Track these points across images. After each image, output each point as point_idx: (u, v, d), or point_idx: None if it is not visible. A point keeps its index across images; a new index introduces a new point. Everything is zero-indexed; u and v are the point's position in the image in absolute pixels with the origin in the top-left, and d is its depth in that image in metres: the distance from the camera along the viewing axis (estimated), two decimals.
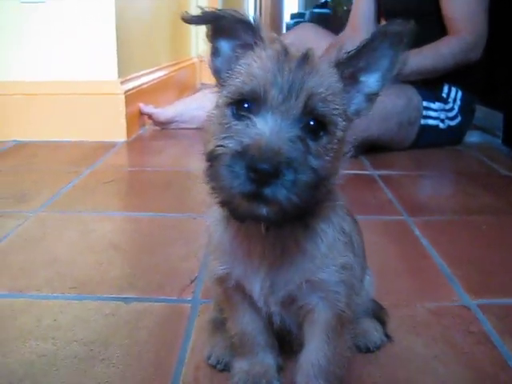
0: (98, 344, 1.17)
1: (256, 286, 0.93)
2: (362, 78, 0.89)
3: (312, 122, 0.81)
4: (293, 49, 0.84)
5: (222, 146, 0.78)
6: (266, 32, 0.87)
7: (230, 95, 0.84)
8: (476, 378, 1.09)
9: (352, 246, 0.97)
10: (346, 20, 3.56)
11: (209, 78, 4.64)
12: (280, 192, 0.74)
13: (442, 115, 2.97)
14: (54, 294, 1.38)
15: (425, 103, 2.91)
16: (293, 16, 11.13)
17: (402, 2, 3.09)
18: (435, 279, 1.51)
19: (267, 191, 0.74)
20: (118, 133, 3.03)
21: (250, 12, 8.70)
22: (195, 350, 1.16)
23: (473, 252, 1.69)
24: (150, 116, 3.35)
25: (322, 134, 0.82)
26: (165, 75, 3.93)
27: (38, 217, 1.90)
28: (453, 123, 3.01)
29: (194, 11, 0.91)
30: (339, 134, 0.84)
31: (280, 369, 1.07)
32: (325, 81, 0.82)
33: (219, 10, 0.88)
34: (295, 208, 0.76)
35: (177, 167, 2.58)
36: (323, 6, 8.54)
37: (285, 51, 0.83)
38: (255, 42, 0.86)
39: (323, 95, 0.81)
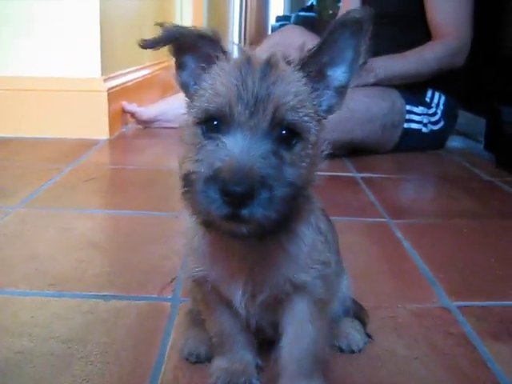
0: (75, 342, 1.15)
1: (237, 290, 0.92)
2: (329, 73, 0.87)
3: (284, 132, 0.80)
4: (256, 56, 0.82)
5: (194, 171, 0.78)
6: (226, 44, 0.86)
7: (198, 115, 0.83)
8: (456, 380, 1.09)
9: (328, 244, 0.97)
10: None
11: None
12: (257, 211, 0.74)
13: (425, 119, 2.98)
14: (32, 291, 1.36)
15: (408, 107, 2.93)
16: (278, 19, 11.14)
17: (386, 7, 3.09)
18: (416, 281, 1.51)
19: (244, 212, 0.73)
20: (100, 130, 3.01)
21: (235, 14, 8.70)
22: (175, 349, 1.14)
23: (454, 255, 1.69)
24: (132, 114, 3.32)
25: (294, 141, 0.81)
26: (148, 74, 3.91)
27: (17, 213, 1.88)
28: (435, 128, 3.03)
29: (153, 30, 0.90)
30: (313, 138, 0.83)
31: (259, 368, 1.06)
32: (291, 88, 0.81)
33: (177, 26, 0.87)
34: (274, 223, 0.76)
35: (159, 166, 2.56)
36: (309, 9, 8.55)
37: (247, 61, 0.81)
38: (217, 56, 0.85)
39: (291, 103, 0.80)
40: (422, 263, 1.61)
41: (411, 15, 2.98)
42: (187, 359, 1.11)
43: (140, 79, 3.66)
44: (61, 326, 1.21)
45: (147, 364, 1.09)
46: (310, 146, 0.83)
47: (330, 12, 7.35)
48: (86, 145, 2.85)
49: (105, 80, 3.03)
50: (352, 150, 2.77)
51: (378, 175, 2.57)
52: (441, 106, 3.03)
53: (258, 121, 0.77)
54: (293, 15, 9.39)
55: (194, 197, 0.77)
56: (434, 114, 3.01)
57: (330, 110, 0.89)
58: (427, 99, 3.02)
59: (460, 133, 3.45)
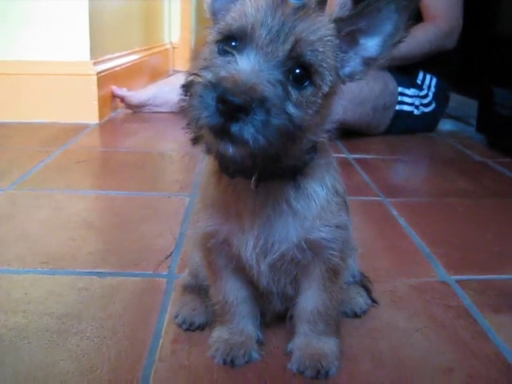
0: (70, 317, 1.13)
1: (248, 244, 0.91)
2: (362, 41, 0.85)
3: (298, 70, 0.78)
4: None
5: (198, 75, 0.76)
6: None
7: (219, 31, 0.82)
8: (458, 351, 1.07)
9: (346, 207, 0.97)
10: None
11: (182, 64, 4.60)
12: (247, 130, 0.71)
13: (417, 101, 2.97)
14: (25, 269, 1.34)
15: (400, 89, 2.92)
16: None
17: None
18: (414, 257, 1.50)
19: (234, 127, 0.71)
20: (90, 115, 2.97)
21: None
22: (172, 324, 1.12)
23: (450, 231, 1.68)
24: (122, 99, 3.29)
25: (306, 83, 0.79)
26: (138, 59, 3.87)
27: (8, 194, 1.85)
28: (427, 110, 3.02)
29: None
30: (325, 88, 0.81)
31: (260, 342, 1.05)
32: (318, 30, 0.79)
33: None
34: (262, 151, 0.73)
35: (150, 149, 2.54)
36: None
37: None
38: None
39: (313, 43, 0.78)
40: (419, 239, 1.60)
41: None
42: (180, 326, 1.10)
43: (129, 64, 3.62)
44: (55, 302, 1.19)
45: (145, 338, 1.07)
46: (320, 94, 0.81)
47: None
48: (76, 129, 2.82)
49: (94, 63, 2.99)
50: (344, 132, 2.75)
51: (371, 156, 2.55)
52: (432, 88, 3.02)
53: (275, 48, 0.76)
54: None
55: (189, 101, 0.75)
56: (426, 96, 3.00)
57: (351, 76, 0.86)
58: (419, 81, 3.01)
59: (452, 116, 3.44)
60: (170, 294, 1.24)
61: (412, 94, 2.96)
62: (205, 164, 0.96)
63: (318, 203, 0.90)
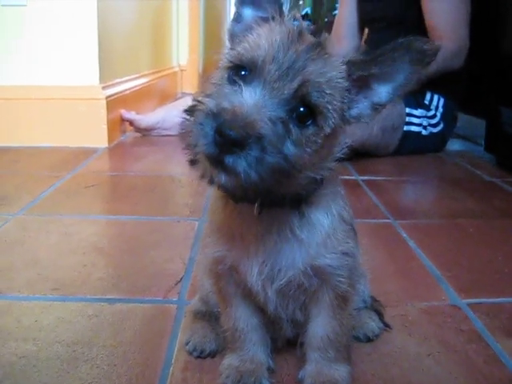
0: (81, 345, 1.13)
1: (253, 270, 0.92)
2: (373, 86, 0.86)
3: (302, 109, 0.78)
4: (308, 34, 0.82)
5: (201, 102, 0.77)
6: (290, 10, 0.87)
7: (231, 59, 0.83)
8: (471, 376, 1.07)
9: (354, 234, 0.97)
10: (328, 32, 3.56)
11: (190, 87, 4.63)
12: (240, 164, 0.72)
13: (425, 122, 2.97)
14: (36, 296, 1.34)
15: (407, 110, 2.92)
16: None
17: (381, 10, 3.10)
18: (424, 280, 1.49)
19: (228, 159, 0.72)
20: (99, 138, 2.99)
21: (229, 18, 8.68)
22: (182, 351, 1.12)
23: (460, 253, 1.67)
24: (131, 122, 3.31)
25: (308, 123, 0.79)
26: (146, 83, 3.90)
27: (18, 219, 1.85)
28: (435, 130, 3.02)
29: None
30: (327, 129, 0.81)
31: (271, 370, 1.04)
32: (328, 72, 0.80)
33: None
34: (253, 186, 0.74)
35: (159, 172, 2.54)
36: (304, 17, 8.58)
37: (299, 32, 0.81)
38: (274, 16, 0.85)
39: (321, 85, 0.79)
40: (429, 262, 1.59)
41: (409, 18, 2.97)
42: (191, 353, 1.10)
43: (138, 87, 3.65)
44: (65, 329, 1.19)
45: (155, 365, 1.07)
46: (321, 135, 0.81)
47: (326, 20, 7.38)
48: (86, 153, 2.84)
49: (103, 88, 3.02)
50: (353, 154, 2.75)
51: (380, 178, 2.55)
52: (440, 109, 3.02)
53: (282, 86, 0.77)
54: None
55: (190, 126, 0.76)
56: (434, 116, 3.01)
57: (357, 118, 0.87)
58: (426, 102, 3.01)
59: (460, 136, 3.44)
60: (180, 321, 1.24)
61: (420, 114, 2.96)
62: (213, 190, 0.97)
63: (323, 231, 0.90)
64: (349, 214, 0.95)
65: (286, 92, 0.77)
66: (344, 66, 0.83)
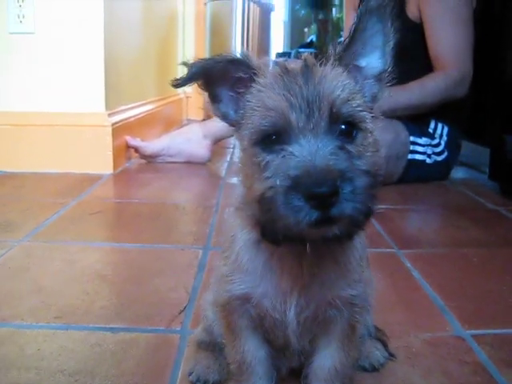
0: (83, 374, 1.13)
1: (290, 306, 0.91)
2: (364, 63, 0.88)
3: (343, 127, 0.80)
4: (291, 65, 0.83)
5: (270, 187, 0.76)
6: (257, 61, 0.87)
7: (253, 136, 0.82)
8: None
9: (368, 262, 0.98)
10: None
11: (195, 113, 4.66)
12: (346, 207, 0.73)
13: (429, 150, 2.98)
14: (39, 324, 1.34)
15: (412, 138, 2.93)
16: (278, 55, 11.26)
17: None
18: (428, 310, 1.49)
19: (334, 211, 0.73)
20: (104, 165, 3.01)
21: (237, 50, 8.78)
22: (185, 380, 1.12)
23: (464, 283, 1.67)
24: (136, 149, 3.33)
25: (355, 133, 0.81)
26: (152, 109, 3.93)
27: (22, 246, 1.86)
28: (439, 158, 3.03)
29: (179, 69, 0.90)
30: (370, 126, 0.84)
31: None
32: (337, 82, 0.82)
33: (203, 60, 0.88)
34: (363, 215, 0.76)
35: (164, 199, 2.55)
36: (309, 45, 8.67)
37: (285, 70, 0.82)
38: (251, 75, 0.85)
39: (342, 96, 0.80)
40: (433, 292, 1.59)
41: (412, 47, 2.99)
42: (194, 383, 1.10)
43: (143, 114, 3.68)
44: (68, 358, 1.19)
45: None
46: (369, 134, 0.83)
47: (328, 50, 7.44)
48: (91, 179, 2.85)
49: (109, 115, 3.04)
50: None
51: (384, 206, 2.55)
52: (444, 137, 3.03)
53: (316, 122, 0.78)
54: (292, 52, 9.51)
55: (277, 212, 0.75)
56: (438, 144, 3.02)
57: (374, 99, 0.89)
58: (430, 130, 3.02)
59: (464, 164, 3.45)
60: (183, 350, 1.24)
61: (424, 142, 2.97)
62: (237, 234, 0.94)
63: (357, 256, 0.92)
64: (363, 240, 0.97)
65: (323, 124, 0.78)
66: (339, 67, 0.84)
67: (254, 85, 0.85)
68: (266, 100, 0.81)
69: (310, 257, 0.88)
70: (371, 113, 0.86)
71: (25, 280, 1.59)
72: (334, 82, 0.81)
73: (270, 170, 0.78)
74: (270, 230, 0.81)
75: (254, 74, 0.85)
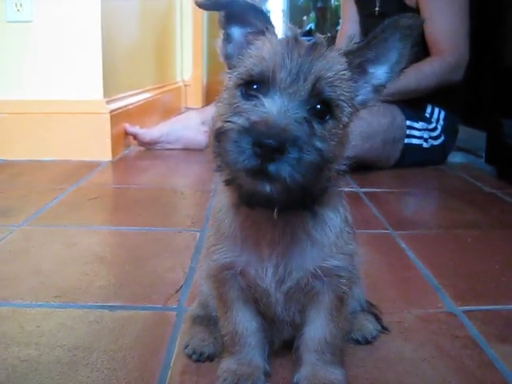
0: (81, 350, 1.15)
1: (268, 272, 0.95)
2: (371, 70, 0.91)
3: (319, 106, 0.83)
4: (303, 38, 0.86)
5: (230, 122, 0.80)
6: (273, 20, 0.90)
7: (240, 76, 0.86)
8: (464, 380, 1.08)
9: (354, 236, 1.00)
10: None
11: (193, 102, 4.67)
12: (284, 169, 0.76)
13: (426, 135, 2.99)
14: (38, 303, 1.36)
15: (408, 122, 2.94)
16: None
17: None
18: (422, 288, 1.51)
19: (271, 167, 0.75)
20: (103, 152, 3.03)
21: None
22: (181, 355, 1.14)
23: (458, 263, 1.69)
24: (135, 136, 3.35)
25: (327, 117, 0.84)
26: (150, 97, 3.94)
27: (22, 230, 1.88)
28: (436, 143, 3.04)
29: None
30: (344, 119, 0.86)
31: (267, 374, 1.06)
32: (333, 66, 0.84)
33: None
34: (299, 187, 0.78)
35: (162, 185, 2.58)
36: (307, 33, 8.64)
37: (295, 38, 0.85)
38: (266, 28, 0.89)
39: (330, 79, 0.83)
40: (427, 271, 1.61)
41: None
42: (190, 356, 1.13)
43: (142, 102, 3.69)
44: (67, 335, 1.21)
45: (154, 370, 1.09)
46: (341, 126, 0.86)
47: (329, 35, 7.44)
48: (89, 166, 2.87)
49: (107, 102, 3.06)
50: (354, 166, 2.77)
51: (381, 190, 2.57)
52: (441, 121, 3.05)
53: (297, 89, 0.81)
54: None
55: (224, 147, 0.79)
56: (435, 129, 3.03)
57: (364, 104, 0.92)
58: (427, 114, 3.04)
59: (461, 148, 3.46)
60: (179, 327, 1.26)
61: (421, 127, 2.98)
62: (220, 198, 1.00)
63: (333, 231, 0.94)
64: (350, 216, 1.00)
65: (302, 94, 0.81)
66: (343, 58, 0.87)
67: (261, 37, 0.88)
68: (264, 51, 0.85)
69: (281, 224, 0.91)
70: (353, 111, 0.89)
71: (25, 262, 1.61)
72: (329, 64, 0.84)
73: (238, 111, 0.83)
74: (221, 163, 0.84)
75: (267, 28, 0.89)
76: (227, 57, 0.94)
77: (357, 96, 0.90)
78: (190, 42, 5.43)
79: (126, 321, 1.28)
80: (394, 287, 1.52)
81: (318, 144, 0.80)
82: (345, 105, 0.86)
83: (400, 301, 1.42)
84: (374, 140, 2.79)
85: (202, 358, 1.12)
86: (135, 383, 1.05)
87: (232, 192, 0.93)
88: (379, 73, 0.91)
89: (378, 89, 0.92)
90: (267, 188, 0.78)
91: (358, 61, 0.89)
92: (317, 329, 1.00)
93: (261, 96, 0.82)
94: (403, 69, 0.90)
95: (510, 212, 2.27)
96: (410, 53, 0.89)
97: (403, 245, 1.83)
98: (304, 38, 0.88)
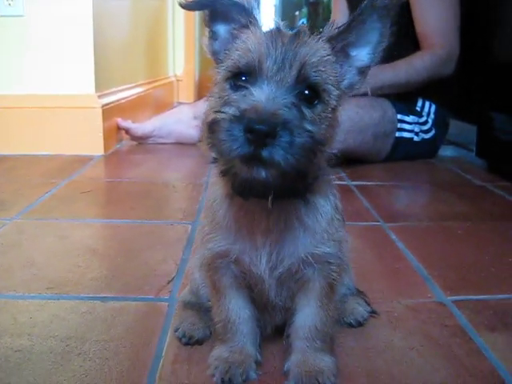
0: (74, 340, 1.16)
1: (262, 259, 0.97)
2: (353, 53, 0.93)
3: (306, 91, 0.85)
4: (285, 29, 0.89)
5: (221, 112, 0.82)
6: (257, 12, 0.92)
7: (228, 69, 0.89)
8: (453, 368, 1.09)
9: (344, 223, 1.02)
10: None
11: (185, 96, 4.67)
12: (277, 153, 0.77)
13: (416, 128, 3.01)
14: (31, 294, 1.37)
15: (399, 116, 2.95)
16: None
17: None
18: (411, 279, 1.52)
19: (265, 152, 0.77)
20: (95, 147, 3.03)
21: None
22: (172, 345, 1.15)
23: (447, 254, 1.71)
24: (127, 131, 3.35)
25: (316, 102, 0.86)
26: (142, 92, 3.94)
27: (14, 223, 1.89)
28: (427, 136, 3.06)
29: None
30: (333, 102, 0.88)
31: (258, 363, 1.07)
32: (316, 52, 0.87)
33: None
34: (293, 170, 0.80)
35: (154, 179, 2.58)
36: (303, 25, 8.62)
37: (278, 29, 0.88)
38: (250, 22, 0.91)
39: (316, 64, 0.85)
40: (416, 262, 1.62)
41: (400, 27, 3.01)
42: (180, 339, 1.15)
43: (134, 97, 3.69)
44: (59, 325, 1.22)
45: (146, 359, 1.10)
46: (329, 109, 0.88)
47: (321, 30, 7.44)
48: (82, 161, 2.87)
49: (99, 97, 3.06)
50: (345, 160, 2.78)
51: (372, 183, 2.59)
52: (432, 115, 3.06)
53: (284, 76, 0.83)
54: None
55: (217, 136, 0.81)
56: (425, 122, 3.04)
57: (350, 87, 0.94)
58: (418, 108, 3.05)
59: (451, 142, 3.48)
60: (170, 317, 1.27)
61: (411, 120, 3.00)
62: (214, 190, 1.01)
63: (325, 217, 0.97)
64: (340, 203, 1.02)
65: (289, 80, 0.83)
66: (327, 44, 0.89)
67: (246, 31, 0.90)
68: (249, 43, 0.87)
69: (275, 213, 0.93)
70: (341, 94, 0.91)
71: (17, 255, 1.62)
72: (313, 50, 0.86)
73: (229, 100, 0.85)
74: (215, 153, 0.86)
75: (251, 22, 0.91)
76: (214, 53, 0.96)
77: (343, 80, 0.92)
78: (182, 36, 5.42)
79: (118, 311, 1.29)
80: (384, 278, 1.53)
81: (309, 127, 0.82)
82: (332, 88, 0.88)
83: (390, 291, 1.44)
84: (365, 134, 2.80)
85: (192, 342, 1.14)
86: (127, 372, 1.06)
87: (226, 183, 0.95)
88: (362, 54, 0.93)
89: (362, 70, 0.94)
90: (262, 174, 0.80)
91: (341, 45, 0.91)
92: (307, 316, 1.02)
93: (249, 86, 0.84)
94: (384, 48, 0.92)
95: (499, 204, 2.29)
96: (390, 32, 0.91)
97: (393, 236, 1.84)
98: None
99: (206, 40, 0.96)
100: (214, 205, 1.00)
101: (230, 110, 0.81)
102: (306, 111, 0.84)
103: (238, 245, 0.97)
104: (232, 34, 0.93)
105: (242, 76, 0.86)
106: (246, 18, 0.91)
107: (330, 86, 0.87)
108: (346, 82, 0.93)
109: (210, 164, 0.93)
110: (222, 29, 0.95)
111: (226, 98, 0.87)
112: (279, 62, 0.83)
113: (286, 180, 0.83)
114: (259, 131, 0.76)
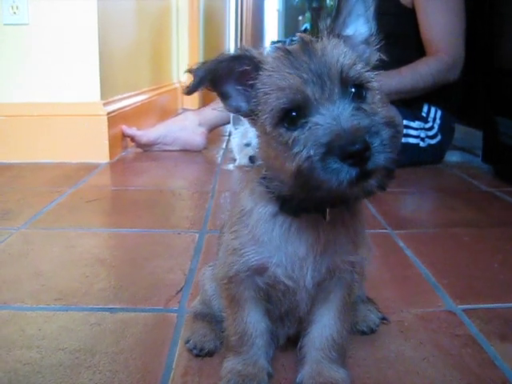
0: (83, 352, 1.16)
1: (308, 272, 0.96)
2: (352, 31, 0.93)
3: (353, 89, 0.84)
4: (289, 46, 0.88)
5: (306, 157, 0.79)
6: (257, 51, 0.91)
7: (275, 117, 0.86)
8: (465, 378, 1.09)
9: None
10: None
11: (190, 103, 4.67)
12: (379, 158, 0.77)
13: (422, 134, 3.00)
14: (39, 306, 1.37)
15: (405, 122, 2.95)
16: (273, 43, 11.26)
17: (380, 26, 3.14)
18: (421, 287, 1.52)
19: (370, 165, 0.77)
20: (100, 154, 3.03)
21: (231, 41, 8.81)
22: (182, 356, 1.15)
23: (456, 261, 1.70)
24: (132, 138, 3.35)
25: (364, 93, 0.86)
26: (147, 99, 3.95)
27: (21, 233, 1.89)
28: (433, 142, 3.05)
29: (184, 75, 0.93)
30: (375, 84, 0.88)
31: (269, 375, 1.06)
32: (338, 51, 0.86)
33: (205, 63, 0.90)
34: (394, 163, 0.80)
35: (160, 186, 2.58)
36: (303, 33, 8.64)
37: (287, 51, 0.86)
38: (257, 63, 0.89)
39: (346, 62, 0.85)
40: (425, 270, 1.62)
41: (405, 33, 3.01)
42: (191, 350, 1.15)
43: (139, 104, 3.70)
44: (68, 337, 1.22)
45: (156, 371, 1.09)
46: (376, 91, 0.88)
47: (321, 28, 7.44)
48: (87, 168, 2.87)
49: (104, 104, 3.06)
50: None
51: None
52: (437, 121, 3.06)
53: (330, 90, 0.82)
54: (287, 40, 9.49)
55: (317, 179, 0.79)
56: (431, 128, 3.04)
57: (369, 63, 0.93)
58: (424, 114, 3.05)
59: (457, 147, 3.48)
60: (180, 328, 1.26)
61: (417, 126, 2.99)
62: (252, 209, 0.97)
63: (362, 222, 0.98)
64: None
65: (336, 91, 0.82)
66: (334, 38, 0.89)
67: (260, 73, 0.88)
68: (278, 81, 0.85)
69: (327, 224, 0.93)
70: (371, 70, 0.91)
71: (24, 265, 1.62)
72: (335, 50, 0.86)
73: (300, 144, 0.82)
74: (305, 201, 0.86)
75: (259, 62, 0.89)
76: (236, 110, 0.94)
77: (362, 61, 0.91)
78: (186, 43, 5.43)
79: (127, 323, 1.29)
80: (393, 286, 1.52)
81: (378, 118, 0.82)
82: (369, 73, 0.88)
83: (399, 300, 1.43)
84: None
85: (203, 353, 1.14)
86: None
87: (270, 203, 0.94)
88: (359, 28, 0.94)
89: (367, 41, 0.95)
90: (374, 183, 0.80)
91: (340, 30, 0.91)
92: (325, 327, 1.02)
93: (308, 119, 0.82)
94: (375, 9, 0.94)
95: (507, 210, 2.28)
96: None
97: (401, 244, 1.84)
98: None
99: (221, 104, 0.94)
100: (255, 223, 0.96)
101: (314, 150, 0.79)
102: (365, 106, 0.84)
103: (276, 258, 0.95)
104: (244, 83, 0.91)
105: (291, 114, 0.84)
106: (250, 62, 0.89)
107: (366, 73, 0.87)
108: (363, 61, 0.91)
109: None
110: (229, 87, 0.92)
111: (291, 140, 0.83)
112: (317, 81, 0.82)
113: (391, 174, 0.82)
114: (357, 152, 0.76)
